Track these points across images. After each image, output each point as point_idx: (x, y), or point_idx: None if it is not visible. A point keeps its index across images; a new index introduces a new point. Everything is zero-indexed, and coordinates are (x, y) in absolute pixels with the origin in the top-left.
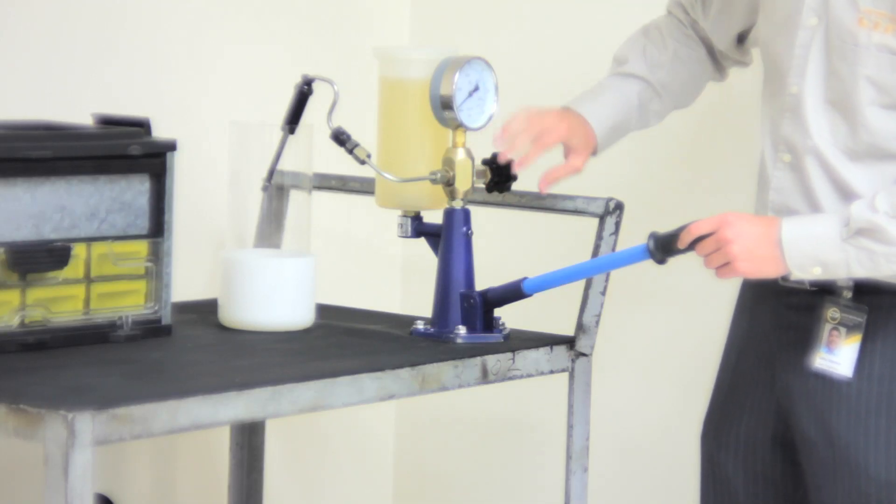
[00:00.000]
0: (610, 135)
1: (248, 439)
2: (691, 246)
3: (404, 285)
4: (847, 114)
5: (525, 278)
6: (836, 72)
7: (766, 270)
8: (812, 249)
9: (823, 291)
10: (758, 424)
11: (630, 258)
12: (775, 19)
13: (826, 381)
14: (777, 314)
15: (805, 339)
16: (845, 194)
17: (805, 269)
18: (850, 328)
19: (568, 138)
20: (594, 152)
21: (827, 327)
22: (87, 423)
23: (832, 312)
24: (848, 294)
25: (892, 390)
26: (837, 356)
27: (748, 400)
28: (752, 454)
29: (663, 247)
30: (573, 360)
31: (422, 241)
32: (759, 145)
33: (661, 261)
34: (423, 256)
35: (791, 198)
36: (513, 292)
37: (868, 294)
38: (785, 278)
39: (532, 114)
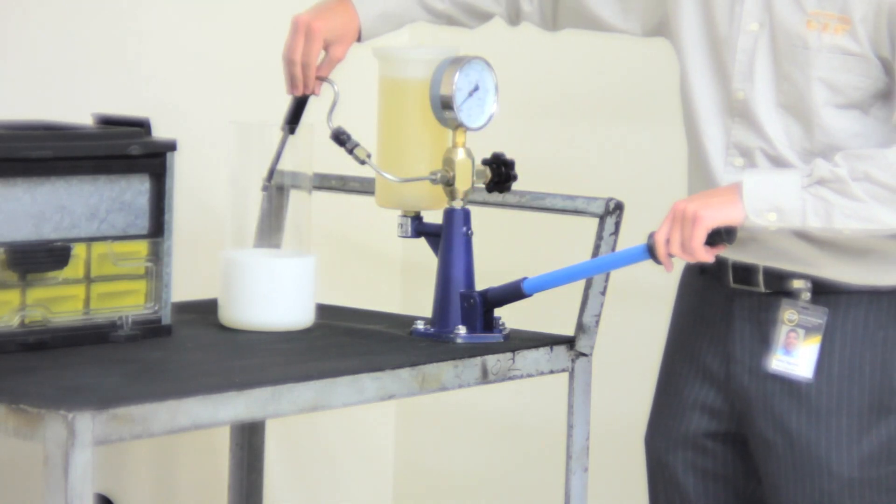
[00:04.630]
0: (378, 22)
1: (248, 439)
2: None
3: (404, 285)
4: (801, 116)
5: (525, 278)
6: (788, 75)
7: (727, 214)
8: (770, 194)
9: (780, 293)
10: (709, 422)
11: (630, 258)
12: (716, 24)
13: (784, 383)
14: (729, 314)
15: (761, 340)
16: None
17: (761, 213)
18: (809, 330)
19: (326, 36)
20: (359, 38)
21: (784, 329)
22: (87, 423)
23: (789, 314)
24: (807, 296)
25: (851, 389)
26: (796, 357)
27: (697, 397)
28: (701, 453)
29: None
30: (573, 360)
31: (422, 241)
32: (690, 148)
33: (659, 261)
34: (424, 256)
35: None
36: (513, 292)
37: (826, 294)
38: (745, 278)
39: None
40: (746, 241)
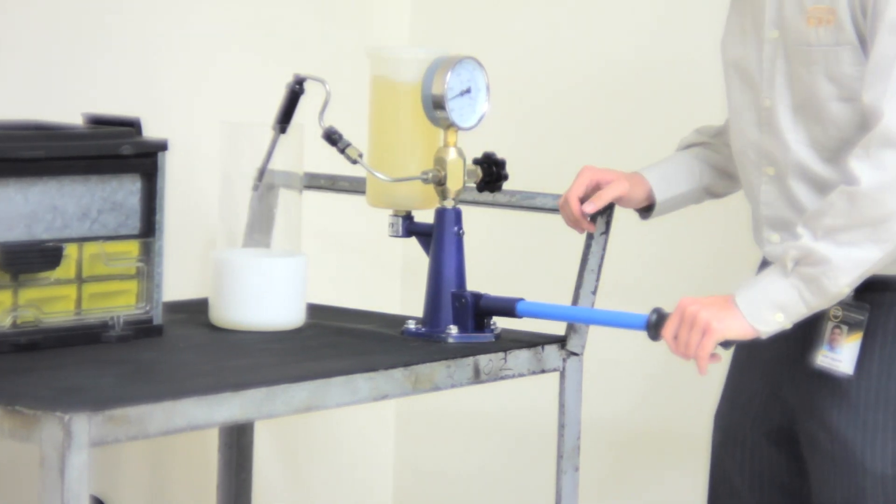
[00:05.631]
0: (662, 184)
1: (237, 439)
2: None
3: (403, 285)
4: (814, 114)
5: (521, 300)
6: (798, 77)
7: (739, 328)
8: (764, 296)
9: None
10: (763, 421)
11: (627, 324)
12: (745, 37)
13: (827, 378)
14: None
15: (808, 337)
16: None
17: (766, 319)
18: (852, 326)
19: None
20: (651, 202)
21: (829, 325)
22: (83, 425)
23: (834, 310)
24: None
25: (889, 385)
26: (839, 354)
27: (755, 397)
28: (758, 454)
29: (661, 327)
30: (564, 360)
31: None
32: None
33: (654, 337)
34: (419, 256)
35: (780, 210)
36: (505, 308)
37: (869, 291)
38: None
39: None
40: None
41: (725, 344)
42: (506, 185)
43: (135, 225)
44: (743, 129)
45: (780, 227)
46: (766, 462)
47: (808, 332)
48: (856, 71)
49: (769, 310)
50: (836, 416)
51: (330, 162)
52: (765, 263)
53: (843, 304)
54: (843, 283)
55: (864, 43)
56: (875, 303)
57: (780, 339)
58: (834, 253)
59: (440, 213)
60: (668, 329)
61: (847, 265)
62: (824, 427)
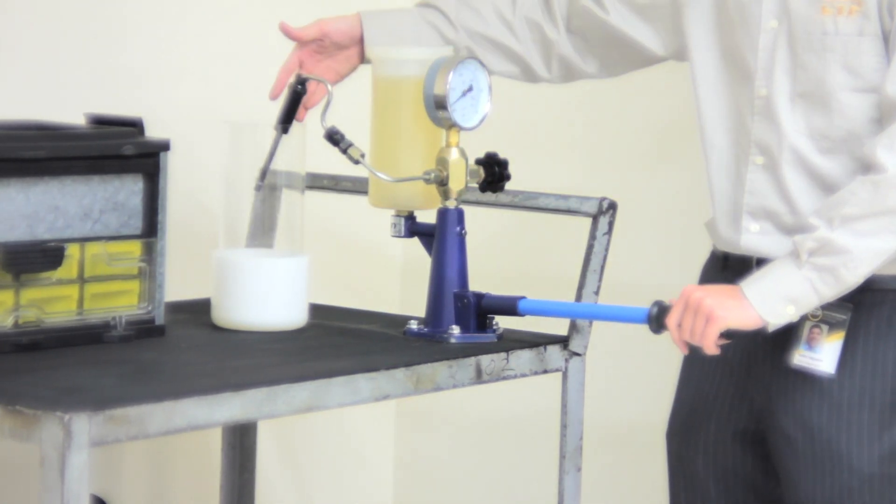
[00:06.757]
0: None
1: (240, 440)
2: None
3: (403, 285)
4: (820, 103)
5: (523, 298)
6: (804, 64)
7: (743, 318)
8: (775, 288)
9: None
10: (728, 421)
11: (629, 317)
12: (733, 31)
13: (806, 378)
14: None
15: (783, 335)
16: (825, 189)
17: (777, 311)
18: (833, 325)
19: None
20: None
21: (808, 325)
22: (83, 425)
23: (813, 310)
24: None
25: (874, 385)
26: (819, 353)
27: (718, 397)
28: (721, 451)
29: (662, 318)
30: (567, 360)
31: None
32: (706, 151)
33: (656, 330)
34: (423, 256)
35: (768, 199)
36: (507, 307)
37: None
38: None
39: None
40: (770, 236)
41: (728, 334)
42: (508, 186)
43: (137, 225)
44: (728, 118)
45: (762, 216)
46: (730, 460)
47: (777, 332)
48: (876, 62)
49: (781, 302)
50: (816, 415)
51: (332, 162)
52: (721, 257)
53: (824, 304)
54: (861, 272)
55: (886, 36)
56: (856, 302)
57: (747, 337)
58: (853, 242)
59: (442, 214)
60: (673, 316)
61: (866, 255)
62: (803, 426)
